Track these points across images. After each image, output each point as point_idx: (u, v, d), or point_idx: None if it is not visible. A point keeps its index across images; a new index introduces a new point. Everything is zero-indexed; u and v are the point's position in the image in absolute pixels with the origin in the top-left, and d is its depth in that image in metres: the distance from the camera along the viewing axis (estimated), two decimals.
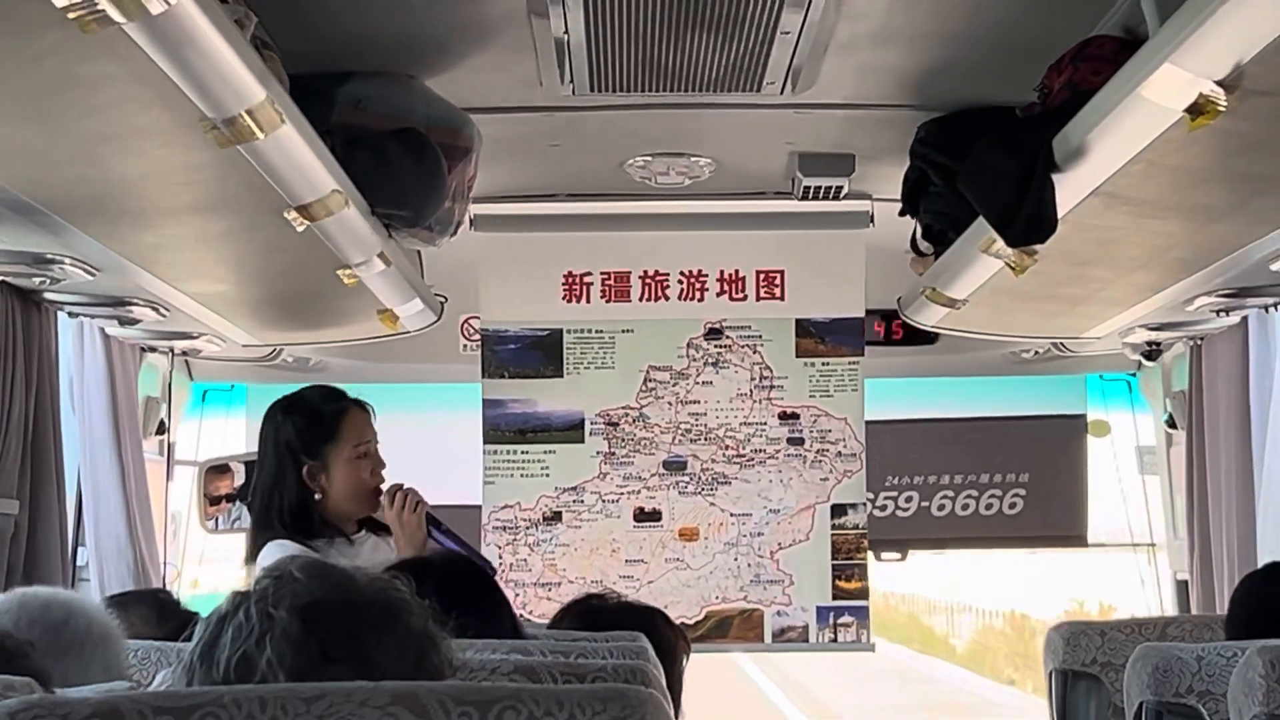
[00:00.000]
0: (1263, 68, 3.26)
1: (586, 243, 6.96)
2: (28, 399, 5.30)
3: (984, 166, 4.64)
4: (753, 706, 23.83)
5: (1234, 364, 6.03)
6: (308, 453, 5.06)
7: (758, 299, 7.02)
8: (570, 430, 6.98)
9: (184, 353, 6.71)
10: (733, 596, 6.98)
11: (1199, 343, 6.40)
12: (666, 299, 7.01)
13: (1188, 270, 5.17)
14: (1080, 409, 7.80)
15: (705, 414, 6.99)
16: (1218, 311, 5.71)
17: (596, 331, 6.99)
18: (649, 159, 6.00)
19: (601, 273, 7.00)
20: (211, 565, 7.51)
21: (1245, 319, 5.84)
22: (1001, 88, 4.99)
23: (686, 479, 6.98)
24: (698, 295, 7.02)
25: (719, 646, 7.04)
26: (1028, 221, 4.40)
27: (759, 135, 5.70)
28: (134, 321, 5.75)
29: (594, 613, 4.27)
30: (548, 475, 6.97)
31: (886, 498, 7.78)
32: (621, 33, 4.40)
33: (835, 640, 7.01)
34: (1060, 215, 4.36)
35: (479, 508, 6.87)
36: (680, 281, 7.01)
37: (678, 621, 4.96)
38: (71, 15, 2.80)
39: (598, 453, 6.97)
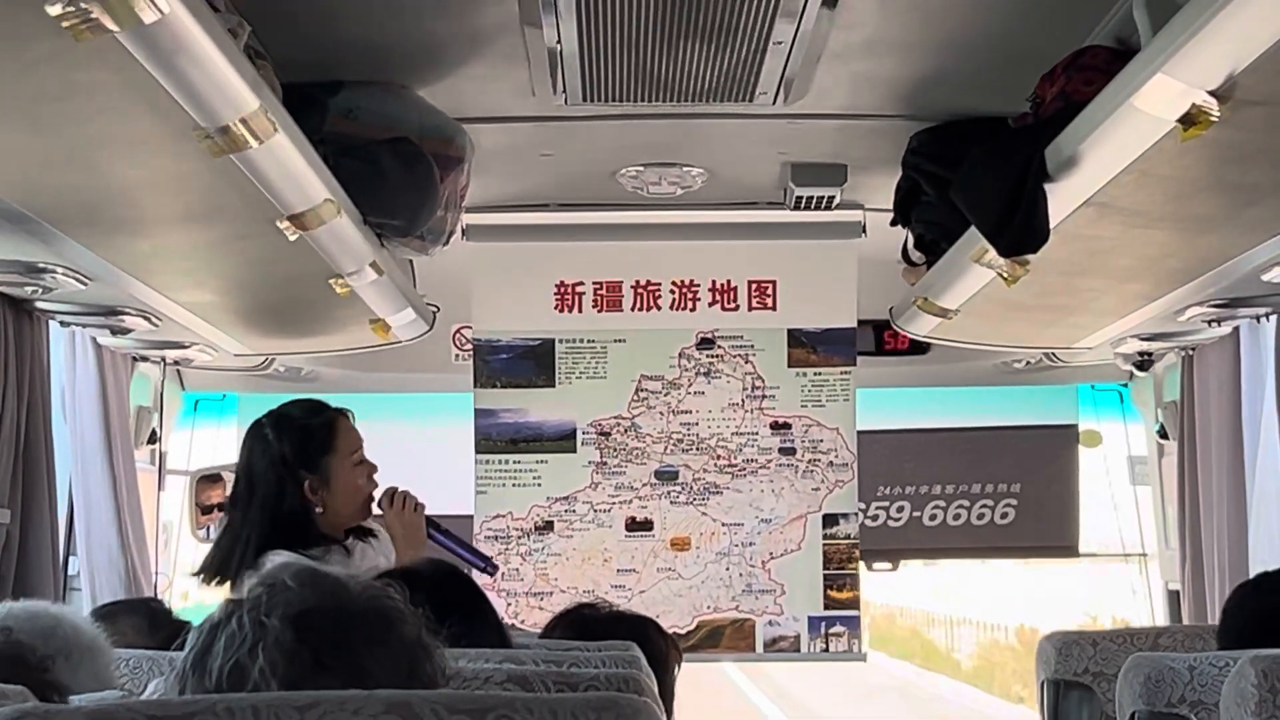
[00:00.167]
0: (1255, 78, 3.26)
1: (579, 252, 6.96)
2: (19, 408, 5.29)
3: (976, 176, 4.64)
4: None
5: (1226, 374, 6.04)
6: (307, 466, 5.06)
7: (750, 309, 7.02)
8: (562, 440, 6.98)
9: (176, 362, 6.71)
10: (724, 606, 6.97)
11: (1191, 353, 6.40)
12: (658, 309, 7.01)
13: (1180, 280, 5.18)
14: (1072, 419, 7.80)
15: (697, 424, 7.00)
16: (1209, 322, 5.72)
17: (588, 341, 6.99)
18: (641, 169, 6.00)
19: (594, 282, 7.00)
20: None
21: (1237, 329, 5.84)
22: (994, 98, 4.99)
23: (678, 489, 6.98)
24: (690, 305, 7.02)
25: (711, 656, 7.04)
26: (1020, 231, 4.40)
27: (751, 145, 5.70)
28: (126, 331, 5.74)
29: (586, 622, 4.27)
30: (539, 485, 6.97)
31: (878, 508, 7.78)
32: (614, 43, 4.40)
33: (827, 650, 7.01)
34: (1052, 225, 4.36)
35: (471, 517, 6.87)
36: (672, 291, 7.02)
37: (669, 631, 4.96)
38: (65, 24, 2.79)
39: (590, 462, 6.98)
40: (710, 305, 7.02)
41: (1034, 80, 4.58)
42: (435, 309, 6.50)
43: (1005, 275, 4.84)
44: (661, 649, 4.20)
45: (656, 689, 3.39)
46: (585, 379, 6.99)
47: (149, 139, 3.65)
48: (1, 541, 5.24)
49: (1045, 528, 7.82)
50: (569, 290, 7.01)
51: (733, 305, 7.02)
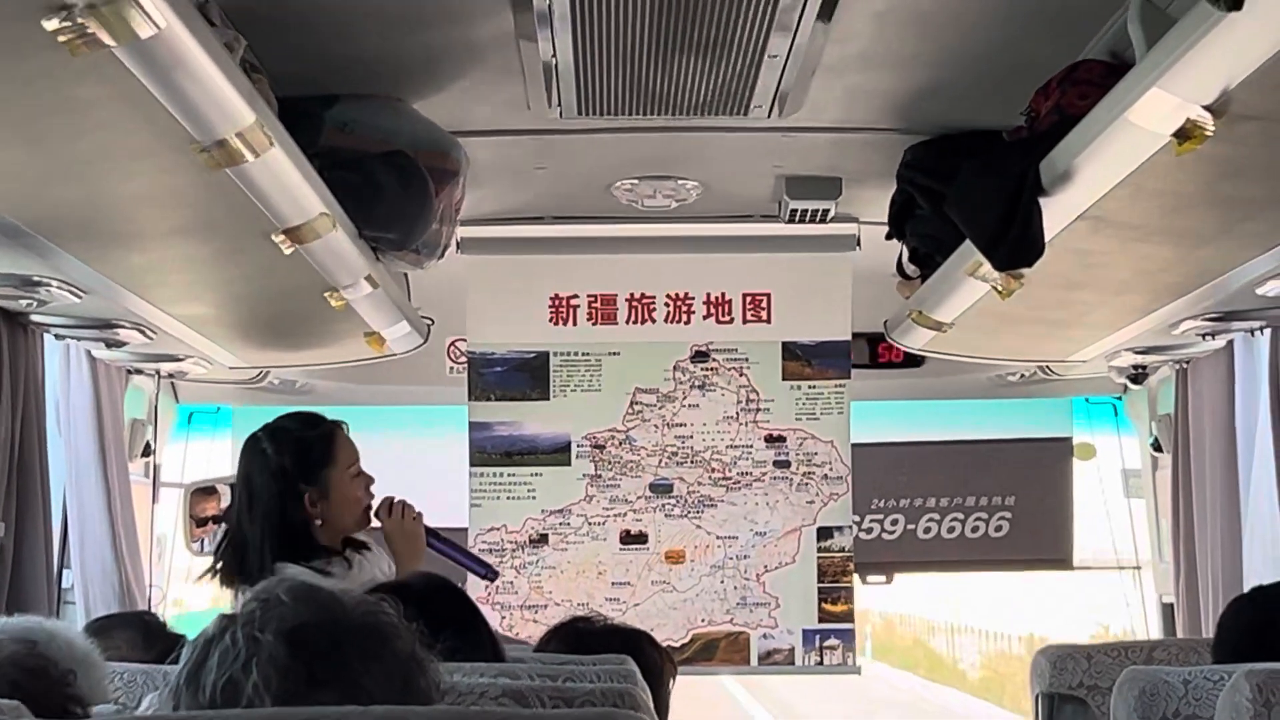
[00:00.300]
0: (1250, 92, 3.27)
1: (573, 265, 6.96)
2: (13, 421, 5.29)
3: (971, 190, 4.64)
4: None
5: (1220, 388, 6.04)
6: (306, 479, 5.07)
7: (744, 322, 7.02)
8: (557, 453, 6.97)
9: (170, 375, 6.71)
10: (719, 619, 6.97)
11: (1185, 366, 6.41)
12: (653, 321, 7.01)
13: (1174, 294, 5.18)
14: (1066, 432, 7.81)
15: (692, 437, 6.99)
16: (1204, 335, 5.72)
17: (583, 354, 6.99)
18: (636, 182, 6.00)
19: (588, 295, 7.00)
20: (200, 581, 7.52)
21: (1231, 343, 5.85)
22: (988, 111, 4.99)
23: (673, 501, 6.98)
24: (684, 318, 7.02)
25: (705, 669, 7.04)
26: (1014, 245, 4.41)
27: (746, 158, 5.71)
28: (120, 344, 5.74)
29: (580, 636, 4.27)
30: (534, 498, 6.96)
31: (873, 520, 7.79)
32: (609, 56, 4.41)
33: (821, 663, 7.01)
34: (1047, 239, 4.37)
35: (465, 530, 6.86)
36: (667, 304, 7.02)
37: (664, 644, 4.96)
38: (61, 39, 2.80)
39: (584, 475, 6.97)
40: (705, 318, 7.02)
41: (1028, 94, 4.58)
42: (430, 322, 6.50)
43: (1000, 289, 4.85)
44: (656, 662, 4.20)
45: (651, 703, 3.39)
46: (580, 392, 6.99)
47: (145, 153, 3.65)
48: None
49: (1039, 540, 7.83)
50: (564, 303, 7.00)
51: (727, 318, 7.02)
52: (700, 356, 7.01)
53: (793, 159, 5.71)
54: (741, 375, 7.00)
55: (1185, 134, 3.43)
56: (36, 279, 4.77)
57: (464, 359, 7.11)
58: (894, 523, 7.81)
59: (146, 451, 6.78)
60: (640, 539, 6.96)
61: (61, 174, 3.78)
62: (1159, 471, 7.14)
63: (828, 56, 4.52)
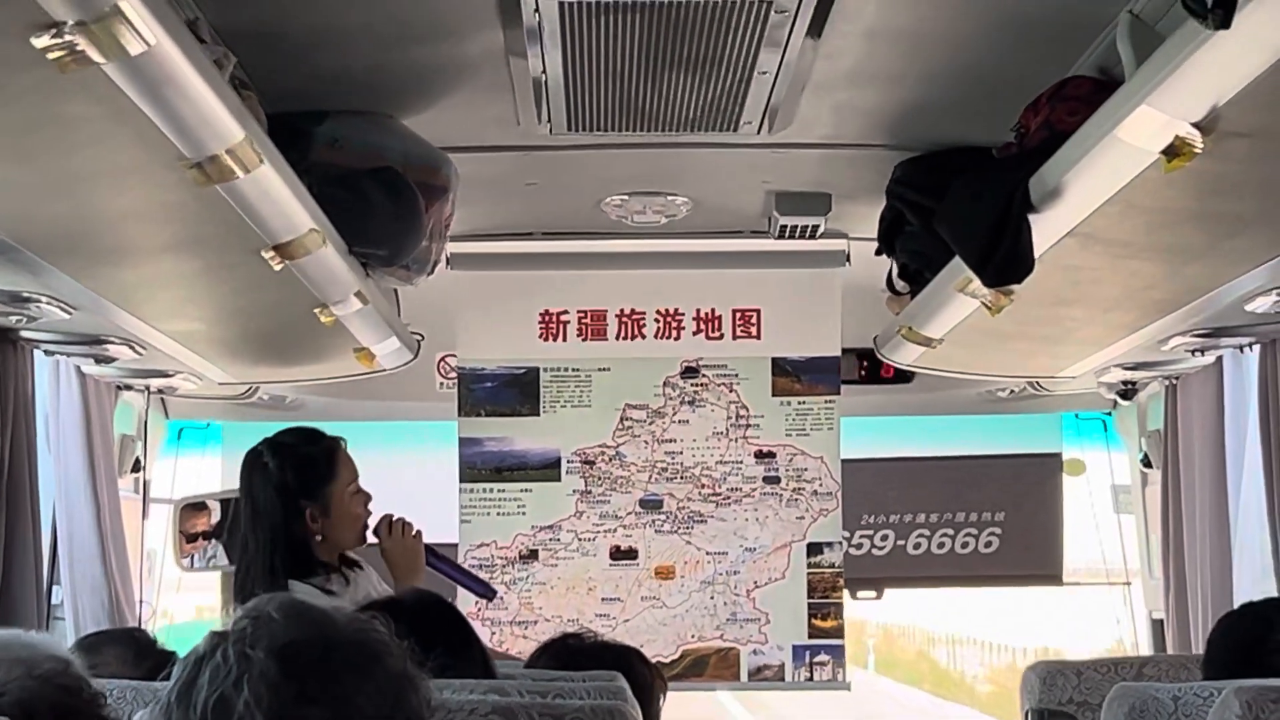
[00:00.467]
0: (1238, 110, 3.27)
1: (563, 281, 6.96)
2: (3, 437, 5.28)
3: (960, 206, 4.65)
4: None
5: (1209, 404, 6.04)
6: (308, 495, 5.09)
7: (734, 338, 7.03)
8: (547, 469, 6.98)
9: (160, 391, 6.69)
10: (709, 635, 6.97)
11: (1174, 382, 6.42)
12: (643, 337, 7.02)
13: (1163, 310, 5.18)
14: (1056, 448, 7.82)
15: (682, 453, 7.00)
16: (1193, 351, 5.73)
17: (573, 370, 7.00)
18: (626, 198, 6.00)
19: (578, 311, 7.01)
20: (189, 594, 7.52)
21: (1220, 359, 5.85)
22: (978, 128, 5.00)
23: (663, 517, 6.98)
24: (674, 334, 7.03)
25: (695, 685, 7.04)
26: (1004, 261, 4.41)
27: (736, 174, 5.71)
28: (110, 360, 5.73)
29: (571, 652, 4.27)
30: (524, 514, 6.97)
31: (862, 536, 7.79)
32: (599, 73, 4.41)
33: (811, 679, 7.01)
34: (1036, 255, 4.37)
35: (455, 546, 6.86)
36: (657, 320, 7.02)
37: (654, 660, 4.96)
38: (51, 55, 2.80)
39: (574, 491, 6.98)
40: (695, 334, 7.03)
41: (1018, 110, 4.59)
42: (420, 338, 6.50)
43: (989, 305, 4.85)
44: (646, 678, 4.19)
45: (641, 719, 3.39)
46: (570, 408, 7.00)
47: (134, 169, 3.64)
48: None
49: (1029, 556, 7.83)
50: (554, 319, 7.01)
51: (717, 334, 7.03)
52: (690, 372, 7.01)
53: (782, 175, 5.72)
54: (731, 391, 7.01)
55: (1174, 151, 3.43)
56: (26, 295, 4.76)
57: (454, 374, 7.11)
58: (884, 538, 7.81)
59: (136, 467, 6.77)
60: (630, 555, 6.96)
61: (51, 190, 3.78)
62: (1149, 487, 7.14)
63: (817, 73, 4.52)
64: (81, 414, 5.99)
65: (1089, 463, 7.79)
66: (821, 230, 6.17)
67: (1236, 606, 4.74)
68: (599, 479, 6.97)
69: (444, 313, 6.87)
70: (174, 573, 7.09)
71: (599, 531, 6.97)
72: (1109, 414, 7.63)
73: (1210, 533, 6.03)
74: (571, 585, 6.96)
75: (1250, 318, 5.10)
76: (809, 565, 6.98)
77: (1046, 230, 4.30)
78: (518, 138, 5.17)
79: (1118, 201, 3.95)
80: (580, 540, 6.96)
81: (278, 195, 4.08)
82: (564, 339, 7.00)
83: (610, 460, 6.98)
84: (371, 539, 5.30)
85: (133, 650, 4.86)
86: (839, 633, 7.02)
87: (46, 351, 5.66)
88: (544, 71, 4.40)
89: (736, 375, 7.01)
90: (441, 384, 7.45)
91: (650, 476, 6.98)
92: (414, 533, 5.33)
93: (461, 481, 6.96)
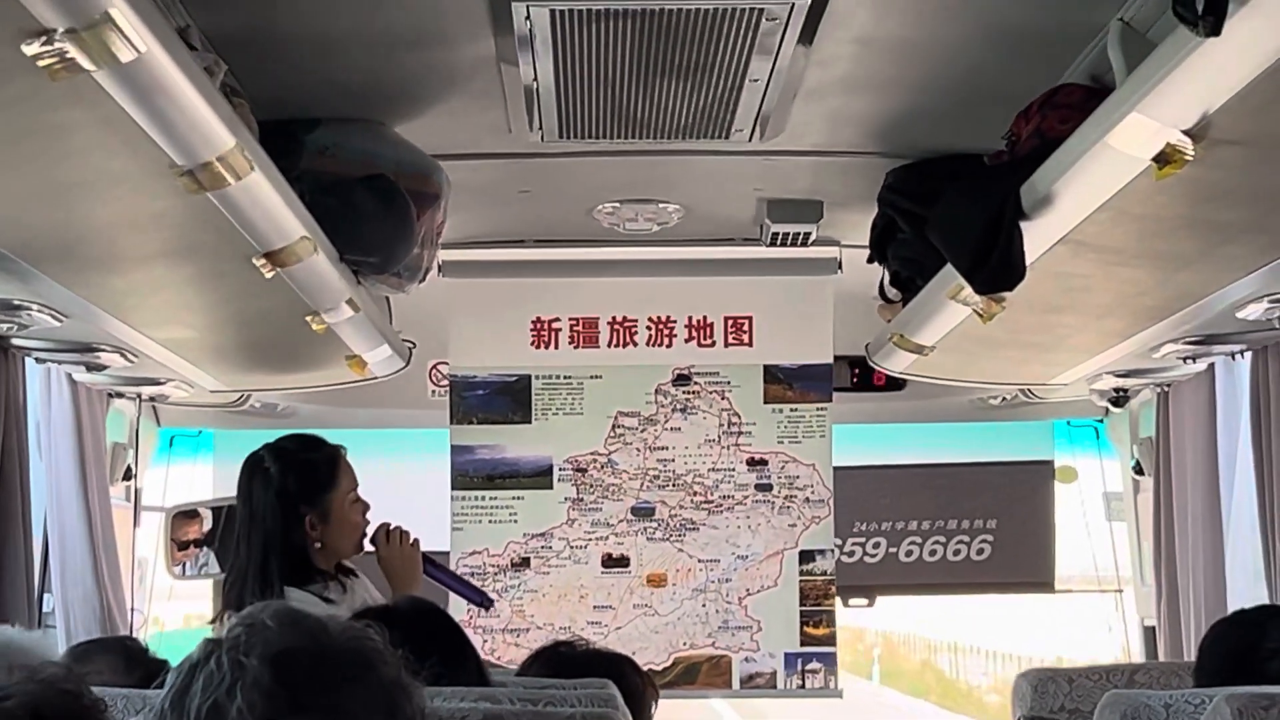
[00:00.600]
0: (1229, 117, 3.28)
1: (555, 289, 6.96)
2: None
3: (952, 214, 4.65)
4: None
5: (1201, 411, 6.05)
6: (308, 501, 5.08)
7: (726, 345, 7.03)
8: (538, 476, 6.97)
9: (151, 398, 6.69)
10: (701, 643, 6.97)
11: (1166, 389, 6.42)
12: (635, 345, 7.02)
13: (1155, 318, 5.18)
14: (1048, 455, 7.82)
15: (673, 460, 7.00)
16: (1185, 359, 5.73)
17: (565, 377, 6.99)
18: (618, 205, 6.00)
19: (570, 319, 7.01)
20: (180, 602, 7.52)
21: (1212, 366, 5.86)
22: (970, 135, 5.00)
23: (655, 525, 6.98)
24: (666, 341, 7.03)
25: (687, 693, 7.04)
26: (996, 269, 4.41)
27: (727, 182, 5.71)
28: (101, 367, 5.73)
29: (562, 660, 4.26)
30: (516, 521, 6.96)
31: (854, 544, 7.79)
32: (591, 80, 4.41)
33: (803, 686, 7.01)
34: (1028, 263, 4.37)
35: (447, 554, 6.85)
36: (649, 327, 7.02)
37: (646, 668, 4.95)
38: (41, 63, 2.80)
39: (566, 499, 6.97)
40: (687, 341, 7.03)
41: (1009, 118, 4.59)
42: (411, 345, 6.50)
43: (981, 312, 4.85)
44: (638, 686, 4.20)
45: None
46: (562, 415, 6.99)
47: (125, 177, 3.64)
48: None
49: (1021, 563, 7.84)
50: (545, 326, 7.01)
51: (709, 341, 7.03)
52: (682, 380, 7.01)
53: (774, 182, 5.72)
54: (723, 398, 7.01)
55: (1165, 158, 3.43)
56: (17, 303, 4.75)
57: (446, 382, 7.11)
58: (876, 546, 7.81)
59: (128, 475, 6.77)
60: (622, 562, 6.96)
61: (42, 198, 3.77)
62: (1140, 494, 7.14)
63: (809, 80, 4.52)
64: (73, 421, 5.99)
65: (1081, 470, 7.79)
66: (813, 238, 6.17)
67: (1228, 614, 4.74)
68: (591, 486, 6.97)
69: (436, 320, 6.88)
70: (165, 581, 7.08)
71: (591, 539, 6.97)
72: (1101, 421, 7.64)
73: (1202, 540, 6.04)
74: (563, 593, 6.96)
75: (1242, 325, 5.10)
76: (801, 573, 6.98)
77: (1038, 237, 4.30)
78: (509, 145, 5.17)
79: (1109, 209, 3.95)
80: (572, 548, 6.96)
81: (269, 203, 4.08)
82: (556, 346, 7.00)
83: (602, 468, 6.97)
84: (368, 547, 5.30)
85: (124, 659, 4.85)
86: (831, 640, 7.02)
87: (38, 359, 5.66)
88: (535, 79, 4.40)
89: (728, 383, 7.01)
90: (433, 391, 7.45)
91: (642, 484, 6.98)
92: (412, 541, 5.33)
93: (453, 489, 6.96)
